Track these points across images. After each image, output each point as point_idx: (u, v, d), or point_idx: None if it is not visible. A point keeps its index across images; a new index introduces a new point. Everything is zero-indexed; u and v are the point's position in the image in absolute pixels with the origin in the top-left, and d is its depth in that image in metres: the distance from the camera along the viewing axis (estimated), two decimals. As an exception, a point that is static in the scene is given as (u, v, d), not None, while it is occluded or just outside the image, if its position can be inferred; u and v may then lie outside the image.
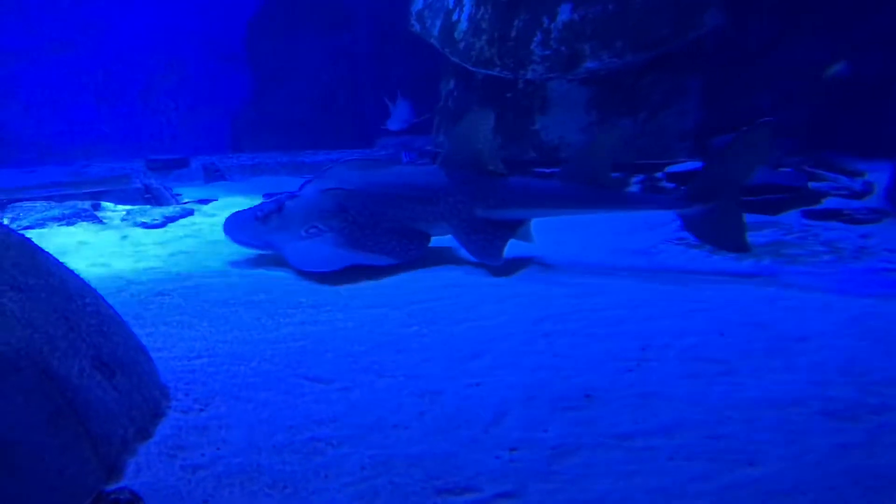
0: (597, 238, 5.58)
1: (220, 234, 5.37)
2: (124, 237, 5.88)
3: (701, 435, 2.59)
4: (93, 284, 2.97)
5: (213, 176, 8.78)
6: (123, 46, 10.83)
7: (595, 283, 4.47)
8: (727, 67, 7.13)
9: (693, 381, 3.03)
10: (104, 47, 10.77)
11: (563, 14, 6.58)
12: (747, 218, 4.66)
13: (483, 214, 4.82)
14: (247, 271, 4.83)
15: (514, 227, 4.86)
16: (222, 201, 7.26)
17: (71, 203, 6.43)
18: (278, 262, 4.89)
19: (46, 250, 2.75)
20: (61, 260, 2.85)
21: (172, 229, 6.18)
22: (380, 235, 4.78)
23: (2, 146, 10.32)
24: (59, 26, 10.57)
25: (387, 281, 4.56)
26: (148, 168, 8.88)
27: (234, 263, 5.03)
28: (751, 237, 4.68)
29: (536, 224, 5.07)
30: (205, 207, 6.97)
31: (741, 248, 4.56)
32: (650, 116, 6.89)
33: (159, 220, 6.29)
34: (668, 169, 6.66)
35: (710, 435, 2.59)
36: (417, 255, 4.79)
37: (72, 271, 2.83)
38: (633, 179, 6.73)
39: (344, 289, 4.39)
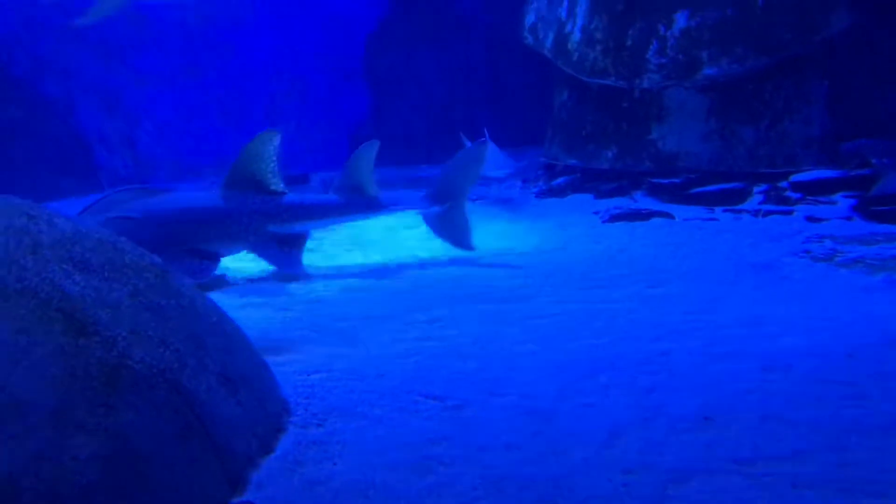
0: (717, 251, 5.42)
1: (338, 250, 5.54)
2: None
3: (828, 462, 2.47)
4: (215, 298, 3.12)
5: (332, 191, 9.03)
6: (248, 67, 11.31)
7: (714, 299, 4.34)
8: (857, 69, 6.79)
9: (819, 405, 2.90)
10: (230, 68, 11.28)
11: (680, 21, 6.44)
12: (885, 229, 4.45)
13: (274, 230, 5.10)
14: (367, 287, 4.96)
15: (302, 238, 5.24)
16: (340, 216, 7.45)
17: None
18: (401, 279, 5.01)
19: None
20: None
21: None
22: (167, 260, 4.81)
23: (138, 165, 10.97)
24: (190, 49, 11.14)
25: (501, 295, 4.57)
26: (271, 184, 9.23)
27: (355, 279, 5.17)
28: (885, 250, 4.45)
29: (655, 238, 4.99)
30: (324, 222, 7.17)
31: (468, 246, 5.42)
32: (773, 123, 6.64)
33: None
34: (792, 178, 6.40)
35: (839, 463, 2.47)
36: (209, 275, 4.92)
37: (199, 290, 2.99)
38: (756, 189, 6.51)
39: (459, 304, 4.43)
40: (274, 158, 5.14)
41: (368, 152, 5.37)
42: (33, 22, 10.16)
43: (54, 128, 10.34)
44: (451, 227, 5.47)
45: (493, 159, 6.88)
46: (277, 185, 5.17)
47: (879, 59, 6.75)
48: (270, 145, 5.09)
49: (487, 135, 7.01)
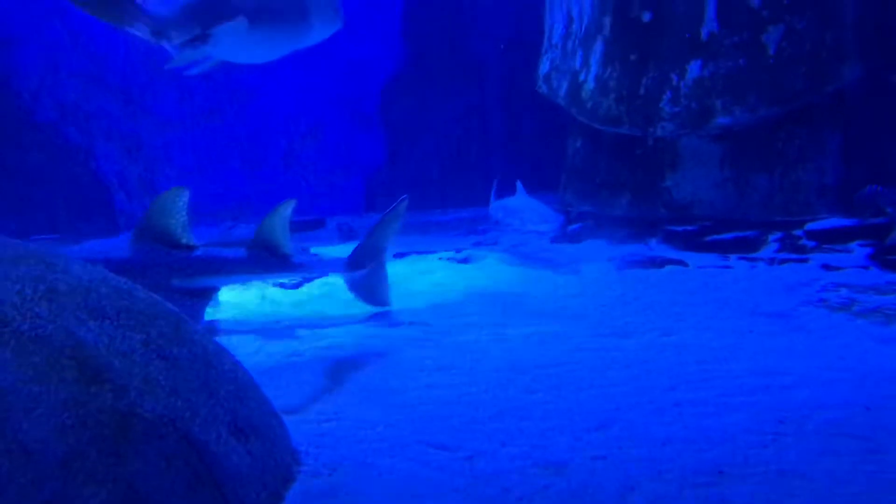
0: (732, 299, 5.39)
1: (351, 295, 5.55)
2: (263, 297, 6.17)
3: (844, 520, 2.43)
4: (230, 344, 3.14)
5: (348, 236, 9.11)
6: (267, 112, 11.48)
7: (728, 348, 4.31)
8: (870, 119, 6.80)
9: (835, 460, 2.85)
10: (250, 113, 11.45)
11: (693, 71, 6.50)
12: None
13: (179, 284, 5.01)
14: (380, 332, 4.96)
15: (208, 293, 5.12)
16: (355, 261, 7.48)
17: (216, 264, 6.79)
18: (413, 324, 5.01)
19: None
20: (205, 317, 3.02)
21: (307, 289, 6.43)
22: None
23: (157, 209, 11.07)
24: (211, 95, 11.32)
25: (512, 344, 4.56)
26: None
27: (367, 324, 5.18)
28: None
29: (670, 286, 4.96)
30: (338, 267, 7.21)
31: (385, 303, 5.43)
32: (787, 172, 6.64)
33: (295, 280, 6.56)
34: (807, 227, 6.38)
35: (855, 521, 2.42)
36: None
37: (212, 338, 3.00)
38: (770, 237, 6.49)
39: (469, 352, 4.42)
40: (183, 213, 5.13)
41: (285, 210, 5.33)
42: (59, 69, 10.39)
43: (75, 172, 10.50)
44: (372, 288, 5.47)
45: (535, 213, 6.74)
46: (188, 239, 5.15)
47: (892, 108, 6.76)
48: (180, 200, 5.08)
49: (521, 187, 6.97)
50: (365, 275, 5.44)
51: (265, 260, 5.27)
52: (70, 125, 10.52)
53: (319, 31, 5.57)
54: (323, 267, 5.58)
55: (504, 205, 7.31)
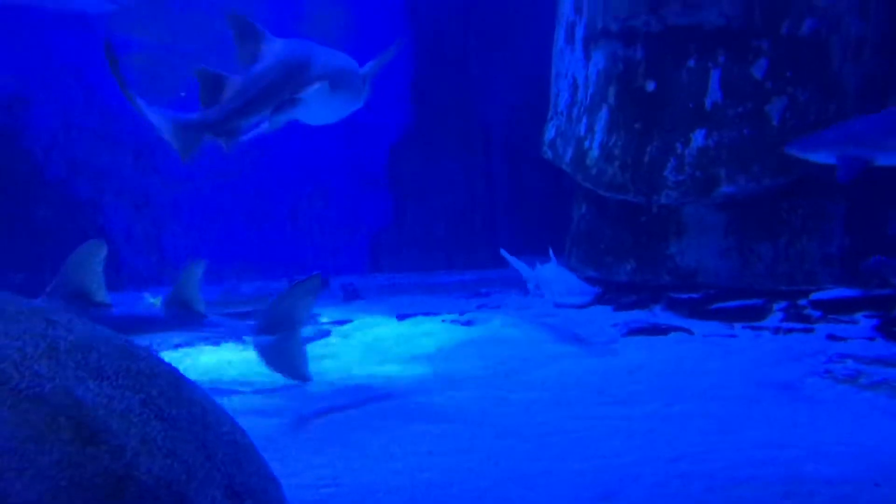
0: (737, 369, 5.34)
1: (353, 356, 5.52)
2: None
3: None
4: (231, 405, 3.10)
5: (351, 296, 9.10)
6: (275, 172, 11.57)
7: (734, 419, 4.25)
8: (874, 188, 6.84)
9: (844, 538, 2.78)
10: (258, 173, 11.55)
11: (697, 140, 6.57)
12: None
13: None
14: (382, 396, 4.91)
15: None
16: (358, 322, 7.48)
17: (219, 323, 6.78)
18: (420, 392, 4.97)
19: (194, 369, 2.90)
20: (205, 379, 3.00)
21: (310, 350, 6.39)
22: None
23: (162, 266, 11.12)
24: (219, 154, 11.42)
25: (514, 409, 4.51)
26: (291, 288, 9.30)
27: (379, 386, 5.13)
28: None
29: (675, 354, 4.91)
30: (341, 328, 7.20)
31: (302, 377, 5.17)
32: (791, 241, 6.66)
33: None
34: (812, 296, 6.36)
35: None
36: None
37: (212, 399, 2.97)
38: (776, 306, 6.46)
39: (471, 416, 4.37)
40: (98, 270, 5.09)
41: (196, 270, 5.31)
42: (71, 126, 10.54)
43: (82, 227, 10.56)
44: (284, 357, 5.22)
45: (566, 285, 6.51)
46: (102, 296, 5.12)
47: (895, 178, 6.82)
48: (96, 257, 5.05)
49: (554, 258, 6.71)
50: (275, 342, 5.18)
51: (178, 317, 5.25)
52: (80, 181, 10.62)
53: (362, 98, 5.68)
54: (233, 327, 5.48)
55: (536, 275, 7.05)
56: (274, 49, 5.17)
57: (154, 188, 11.06)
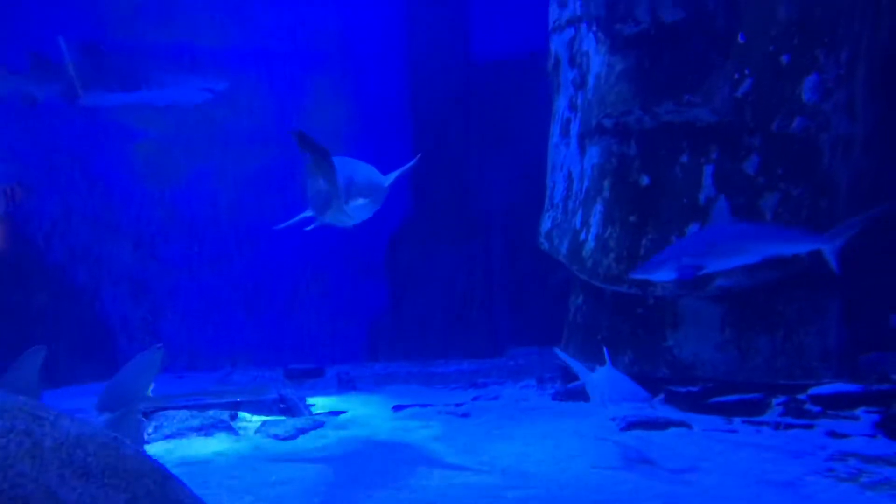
0: (737, 466, 5.25)
1: (344, 450, 5.43)
2: (256, 448, 6.03)
3: None
4: (223, 501, 3.03)
5: (346, 386, 9.01)
6: (273, 259, 11.62)
7: (734, 521, 4.15)
8: (870, 282, 6.86)
9: None
10: (256, 260, 11.59)
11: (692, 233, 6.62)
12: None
13: None
14: (373, 494, 4.81)
15: None
16: (351, 414, 7.39)
17: (211, 413, 6.71)
18: (411, 482, 4.86)
19: (183, 462, 2.83)
20: (195, 469, 2.94)
21: (302, 442, 6.30)
22: None
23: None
24: (218, 242, 11.51)
25: (510, 508, 4.41)
26: (285, 377, 9.24)
27: (355, 486, 5.03)
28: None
29: (674, 449, 4.80)
30: (335, 420, 7.11)
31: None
32: (788, 335, 6.64)
33: (291, 432, 6.44)
34: (811, 391, 6.31)
35: None
36: None
37: (200, 499, 2.91)
38: (775, 401, 6.40)
39: (466, 516, 4.27)
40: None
41: (35, 357, 5.09)
42: (72, 214, 10.65)
43: (79, 314, 10.56)
44: (121, 434, 5.23)
45: (619, 390, 6.14)
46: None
47: (891, 272, 6.84)
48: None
49: (609, 357, 6.30)
50: (113, 420, 5.06)
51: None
52: (78, 268, 10.67)
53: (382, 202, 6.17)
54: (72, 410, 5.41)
55: (587, 379, 6.82)
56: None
57: (152, 275, 11.11)
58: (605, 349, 6.27)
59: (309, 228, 6.45)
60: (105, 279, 10.82)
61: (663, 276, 5.69)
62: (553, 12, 8.22)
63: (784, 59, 6.52)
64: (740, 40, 6.62)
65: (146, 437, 6.31)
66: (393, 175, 6.14)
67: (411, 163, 6.30)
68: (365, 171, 6.01)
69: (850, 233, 5.61)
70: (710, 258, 5.50)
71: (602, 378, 6.28)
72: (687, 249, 5.61)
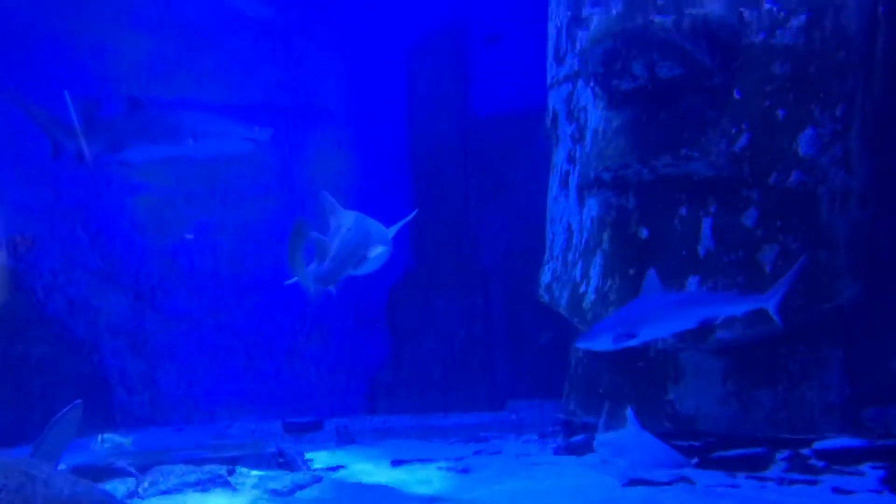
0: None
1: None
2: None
3: None
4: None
5: (345, 439, 8.93)
6: (273, 310, 11.59)
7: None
8: (872, 335, 6.85)
9: None
10: (256, 311, 11.57)
11: (692, 287, 6.62)
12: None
13: None
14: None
15: None
16: (350, 469, 7.30)
17: (208, 468, 6.63)
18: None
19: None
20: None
21: (300, 497, 6.22)
22: None
23: (155, 405, 10.97)
24: (218, 293, 11.50)
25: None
26: (284, 430, 9.15)
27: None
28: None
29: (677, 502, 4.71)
30: (333, 475, 7.03)
31: None
32: (790, 388, 6.59)
33: (289, 487, 6.37)
34: (816, 446, 6.24)
35: None
36: None
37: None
38: (778, 455, 6.32)
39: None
40: None
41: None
42: (73, 266, 10.67)
43: (78, 365, 10.50)
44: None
45: (648, 453, 6.05)
46: None
47: (891, 326, 6.82)
48: None
49: (634, 418, 6.29)
50: None
51: None
52: (78, 320, 10.66)
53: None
54: None
55: (611, 441, 6.55)
56: (347, 220, 6.37)
57: (151, 327, 11.08)
58: (630, 411, 6.35)
59: (288, 282, 6.68)
60: (104, 331, 10.79)
61: (601, 345, 5.95)
62: (551, 68, 8.35)
63: (780, 113, 6.60)
64: (736, 96, 6.71)
65: (142, 492, 6.23)
66: (393, 229, 6.44)
67: (408, 217, 6.68)
68: (374, 225, 6.33)
69: (785, 289, 5.87)
70: (643, 326, 5.77)
71: (629, 441, 6.26)
72: (624, 319, 5.88)
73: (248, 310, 11.55)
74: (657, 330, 5.95)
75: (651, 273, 6.14)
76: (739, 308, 5.94)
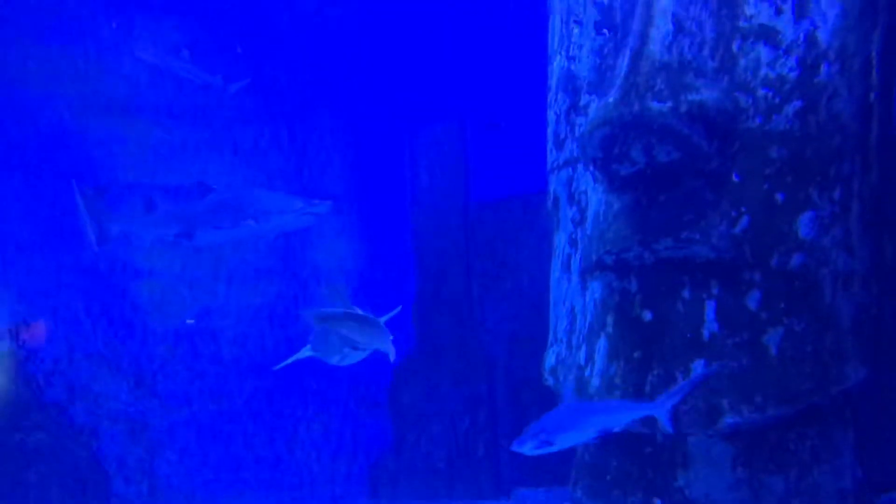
0: None
1: None
2: None
3: None
4: None
5: (347, 530, 8.71)
6: (274, 395, 11.51)
7: None
8: (882, 420, 6.75)
9: None
10: (257, 396, 11.47)
11: (697, 370, 6.55)
12: None
13: None
14: None
15: None
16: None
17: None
18: None
19: None
20: None
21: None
22: None
23: (153, 494, 10.77)
24: (220, 377, 11.44)
25: None
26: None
27: None
28: None
29: None
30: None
31: None
32: (802, 474, 6.46)
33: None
34: (830, 535, 6.09)
35: None
36: None
37: None
38: (793, 545, 6.17)
39: None
40: None
41: None
42: (74, 351, 10.64)
43: (75, 453, 10.37)
44: None
45: None
46: None
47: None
48: None
49: None
50: None
51: None
52: (77, 406, 10.58)
53: None
54: None
55: None
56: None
57: (151, 413, 10.98)
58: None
59: (276, 368, 7.05)
60: (104, 417, 10.69)
61: (529, 450, 6.16)
62: (551, 153, 8.48)
63: (779, 196, 6.66)
64: (735, 179, 6.78)
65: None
66: (384, 318, 6.64)
67: (395, 311, 6.94)
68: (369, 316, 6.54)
69: (679, 397, 6.14)
70: (558, 434, 6.12)
71: None
72: (546, 426, 6.21)
73: (249, 395, 11.47)
74: (569, 439, 6.27)
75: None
76: (633, 416, 6.24)
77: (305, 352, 6.80)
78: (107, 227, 9.17)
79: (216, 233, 9.13)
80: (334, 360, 6.49)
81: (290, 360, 6.69)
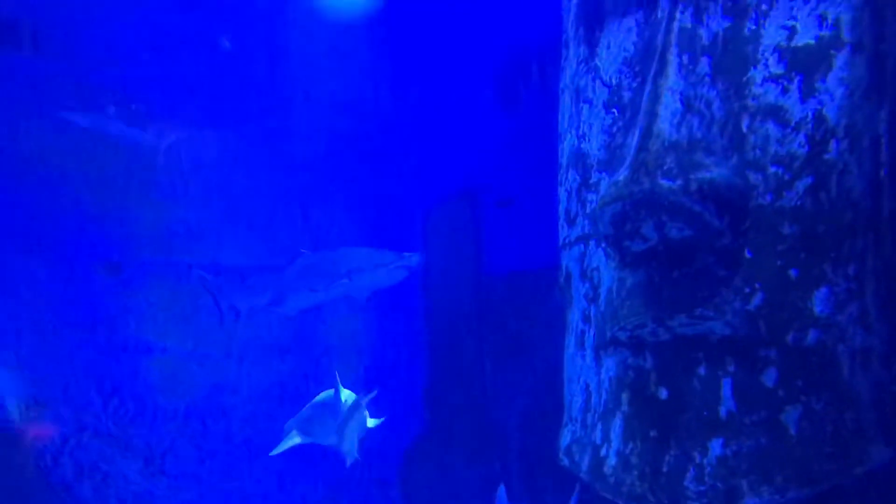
0: None
1: None
2: None
3: None
4: None
5: None
6: (285, 474, 11.34)
7: None
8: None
9: None
10: (268, 475, 11.30)
11: (715, 449, 6.43)
12: None
13: None
14: None
15: None
16: None
17: None
18: None
19: None
20: None
21: None
22: None
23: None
24: (230, 457, 11.30)
25: None
26: None
27: None
28: None
29: None
30: None
31: None
32: (827, 561, 6.25)
33: None
34: None
35: None
36: None
37: None
38: None
39: None
40: None
41: None
42: (84, 429, 10.56)
43: (81, 536, 10.18)
44: None
45: None
46: None
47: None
48: None
49: None
50: None
51: None
52: (84, 486, 10.43)
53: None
54: None
55: None
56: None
57: (160, 492, 10.82)
58: None
59: (273, 453, 7.18)
60: (111, 497, 10.53)
61: None
62: (562, 229, 8.52)
63: (792, 273, 6.63)
64: (748, 255, 6.76)
65: None
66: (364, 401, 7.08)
67: (371, 394, 7.32)
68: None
69: None
70: None
71: None
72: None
73: (260, 473, 11.31)
74: None
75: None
76: None
77: (294, 437, 6.88)
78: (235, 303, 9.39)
79: (311, 296, 9.19)
80: (328, 441, 6.63)
81: (282, 447, 6.79)
